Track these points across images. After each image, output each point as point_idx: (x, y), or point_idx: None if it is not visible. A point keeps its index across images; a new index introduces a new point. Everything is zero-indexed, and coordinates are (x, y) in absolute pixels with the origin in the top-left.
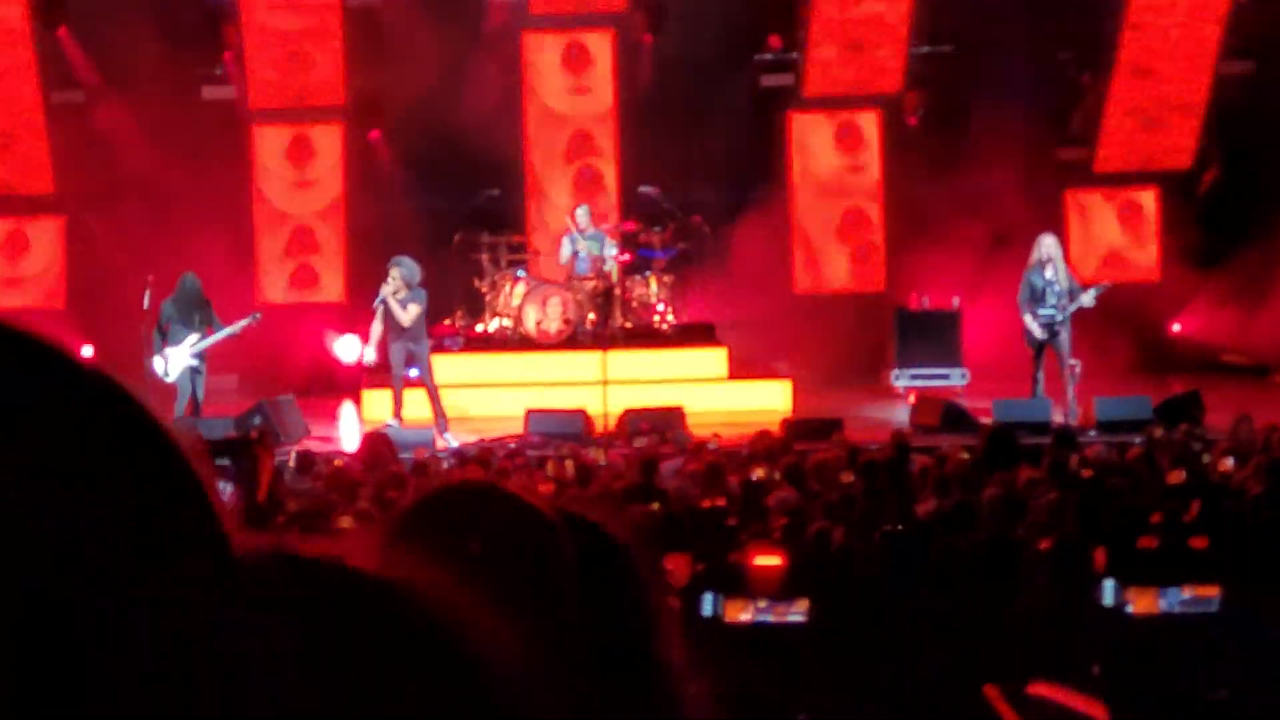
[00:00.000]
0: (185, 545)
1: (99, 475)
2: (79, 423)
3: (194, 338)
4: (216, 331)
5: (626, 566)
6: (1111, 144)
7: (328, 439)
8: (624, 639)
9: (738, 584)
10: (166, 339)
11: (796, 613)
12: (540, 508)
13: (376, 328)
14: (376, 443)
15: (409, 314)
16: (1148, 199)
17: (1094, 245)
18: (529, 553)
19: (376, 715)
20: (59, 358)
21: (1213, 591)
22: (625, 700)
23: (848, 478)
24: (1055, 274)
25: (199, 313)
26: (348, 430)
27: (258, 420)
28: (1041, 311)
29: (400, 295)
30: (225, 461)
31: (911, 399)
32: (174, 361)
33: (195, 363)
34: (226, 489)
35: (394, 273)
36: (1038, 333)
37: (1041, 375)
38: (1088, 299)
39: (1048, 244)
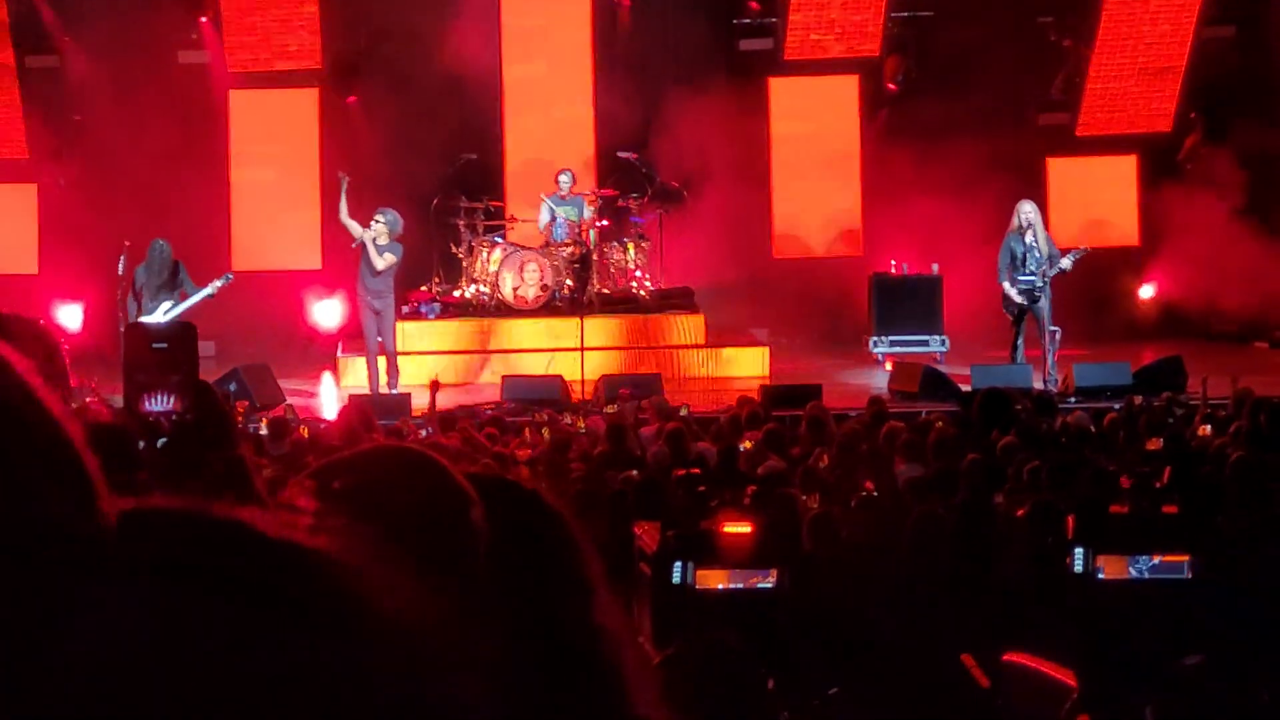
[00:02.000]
0: (49, 521)
1: None
2: None
3: (168, 304)
4: (190, 296)
5: (556, 534)
6: (1092, 109)
7: (305, 407)
8: (552, 605)
9: (708, 552)
10: (140, 305)
11: (766, 581)
12: (449, 471)
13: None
14: (354, 409)
15: (384, 260)
16: (1128, 164)
17: (1074, 210)
18: (434, 515)
19: (245, 675)
20: None
21: (1182, 558)
22: (559, 666)
23: (823, 445)
24: (1035, 240)
25: (172, 278)
26: (326, 397)
27: (232, 387)
28: (1021, 278)
29: (380, 242)
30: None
31: (888, 366)
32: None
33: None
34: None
35: (379, 218)
36: (1017, 299)
37: (1021, 342)
38: (1067, 264)
39: (1027, 210)
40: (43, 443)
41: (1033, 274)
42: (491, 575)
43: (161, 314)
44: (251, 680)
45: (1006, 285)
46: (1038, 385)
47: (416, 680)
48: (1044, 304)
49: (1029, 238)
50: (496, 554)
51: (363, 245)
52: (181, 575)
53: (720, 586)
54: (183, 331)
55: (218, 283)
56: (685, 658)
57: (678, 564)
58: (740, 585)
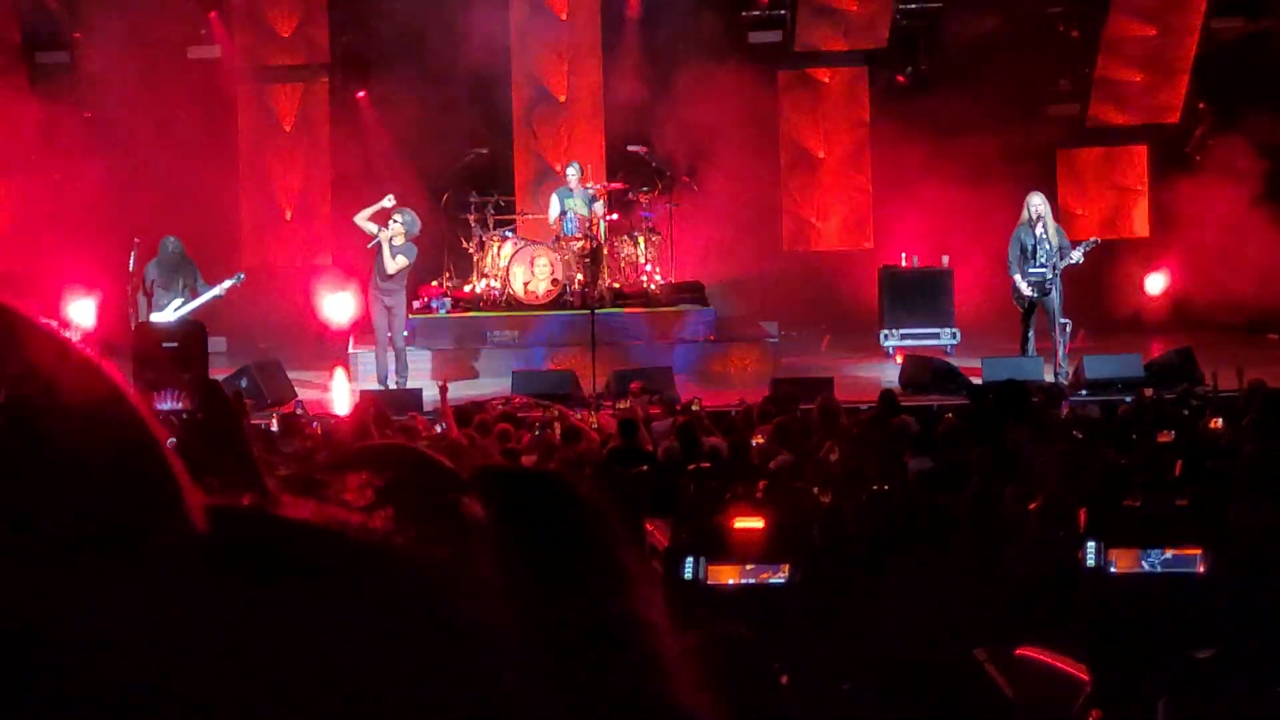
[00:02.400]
0: (143, 519)
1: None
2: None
3: (178, 301)
4: (200, 294)
5: (593, 525)
6: (1101, 100)
7: (318, 402)
8: (589, 596)
9: (720, 547)
10: (151, 302)
11: (779, 576)
12: (442, 466)
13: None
14: (367, 405)
15: (396, 263)
16: (1138, 155)
17: (1084, 202)
18: (435, 513)
19: (352, 675)
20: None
21: (1195, 551)
22: (599, 656)
23: (834, 438)
24: (1045, 232)
25: (182, 275)
26: (339, 392)
27: (243, 383)
28: (1031, 270)
29: (396, 242)
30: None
31: (899, 359)
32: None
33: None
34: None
35: (397, 218)
36: (1027, 291)
37: (1032, 334)
38: (1077, 255)
39: (1036, 202)
40: (135, 445)
41: (1043, 266)
42: (523, 567)
43: (172, 311)
44: (349, 673)
45: (1017, 278)
46: (1048, 378)
47: (492, 673)
48: (1054, 296)
49: (1039, 230)
50: (525, 545)
51: (379, 245)
52: (270, 578)
53: (732, 581)
54: (192, 330)
55: (228, 282)
56: (700, 651)
57: (689, 559)
58: (752, 580)
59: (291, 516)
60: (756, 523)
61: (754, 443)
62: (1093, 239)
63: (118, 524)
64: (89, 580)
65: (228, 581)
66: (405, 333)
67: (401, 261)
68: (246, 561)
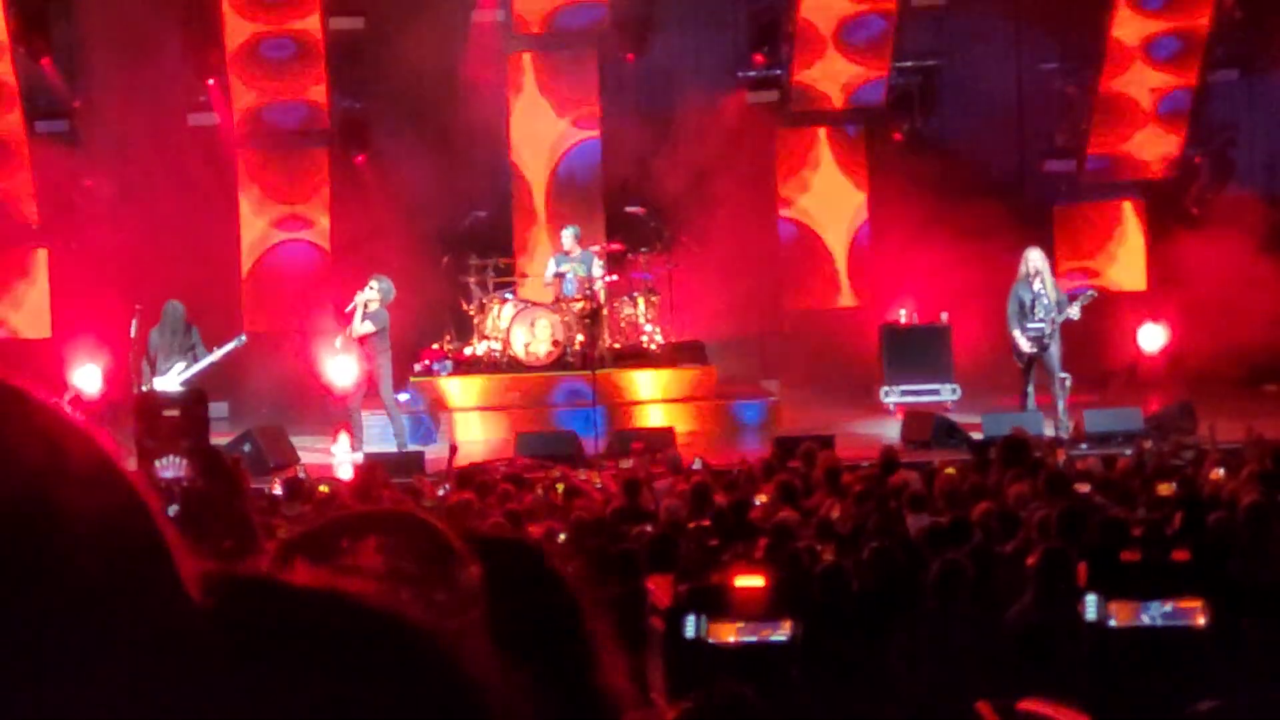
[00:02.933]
0: (136, 588)
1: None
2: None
3: (180, 365)
4: (202, 358)
5: (559, 593)
6: (1098, 155)
7: (319, 466)
8: (554, 665)
9: (721, 605)
10: (154, 368)
11: (780, 633)
12: (443, 532)
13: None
14: (370, 469)
15: (362, 328)
16: (1134, 210)
17: (1081, 256)
18: (427, 575)
19: None
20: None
21: (1195, 604)
22: None
23: (836, 507)
24: (1043, 287)
25: (184, 340)
26: (341, 457)
27: (246, 448)
28: (1030, 325)
29: (371, 307)
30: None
31: (900, 415)
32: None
33: (186, 389)
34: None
35: (373, 284)
36: (1026, 347)
37: (1031, 389)
38: (1074, 311)
39: (1034, 257)
40: (128, 513)
41: (1041, 321)
42: (493, 635)
43: (175, 376)
44: None
45: (1016, 333)
46: (1049, 432)
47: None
48: (1054, 351)
49: (1036, 285)
50: (498, 613)
51: (355, 308)
52: (277, 649)
53: (733, 640)
54: (193, 398)
55: (230, 345)
56: (701, 712)
57: (690, 617)
58: (753, 638)
59: (298, 584)
60: (758, 580)
61: (756, 501)
62: (1090, 292)
63: (112, 593)
64: (77, 656)
65: (227, 652)
66: (403, 396)
67: (368, 327)
68: (247, 631)
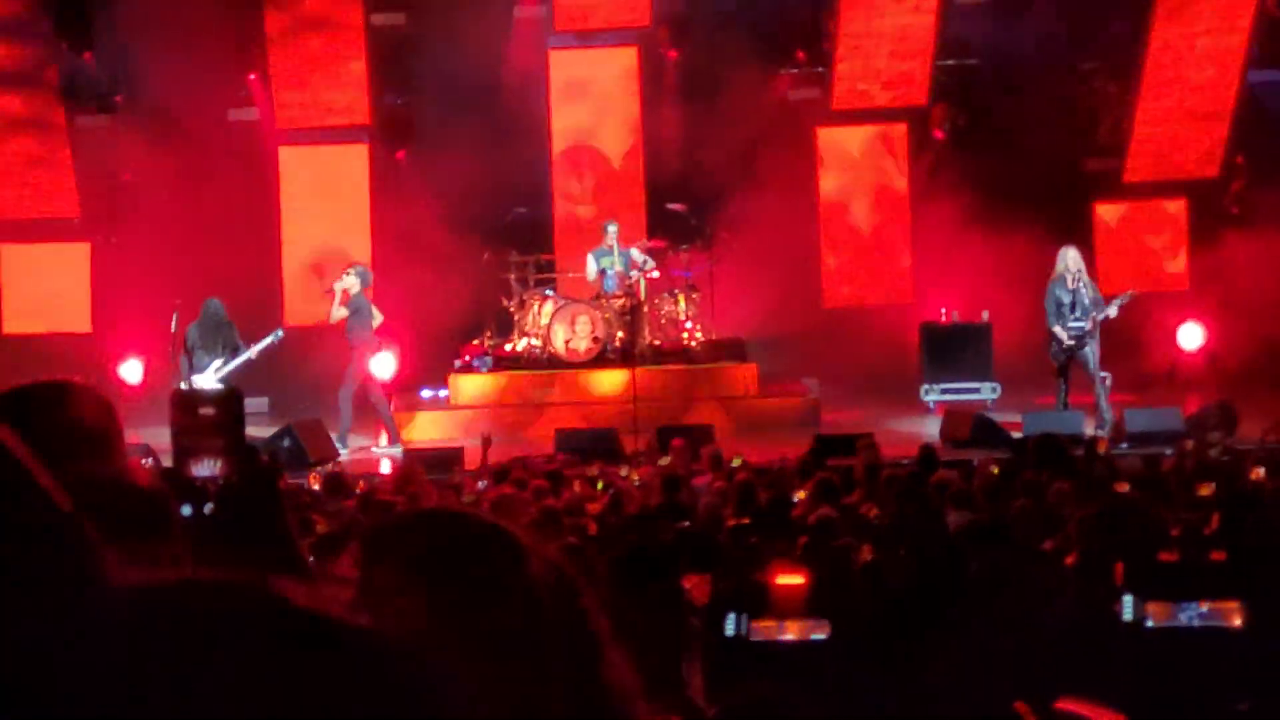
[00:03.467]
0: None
1: None
2: None
3: (218, 362)
4: (240, 354)
5: (560, 591)
6: (1139, 154)
7: (361, 460)
8: (561, 663)
9: (762, 603)
10: (192, 363)
11: (819, 632)
12: (510, 532)
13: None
14: (409, 464)
15: (338, 314)
16: (1176, 208)
17: (1123, 256)
18: (489, 578)
19: None
20: None
21: (1231, 605)
22: None
23: (875, 493)
24: (1080, 285)
25: (223, 336)
26: (380, 451)
27: (286, 443)
28: (1071, 325)
29: (351, 294)
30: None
31: (939, 414)
32: (202, 386)
33: (222, 387)
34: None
35: (352, 272)
36: (1067, 343)
37: (1066, 389)
38: (1112, 310)
39: (1071, 256)
40: (34, 514)
41: (1080, 320)
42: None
43: (213, 372)
44: None
45: (1058, 329)
46: (1089, 432)
47: None
48: (1090, 349)
49: (1071, 283)
50: (488, 608)
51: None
52: (185, 639)
53: (774, 638)
54: (229, 397)
55: (268, 340)
56: (739, 711)
57: (731, 615)
58: (794, 637)
59: (259, 591)
60: (798, 579)
61: (795, 498)
62: (1129, 292)
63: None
64: None
65: (118, 645)
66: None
67: (340, 314)
68: (153, 630)
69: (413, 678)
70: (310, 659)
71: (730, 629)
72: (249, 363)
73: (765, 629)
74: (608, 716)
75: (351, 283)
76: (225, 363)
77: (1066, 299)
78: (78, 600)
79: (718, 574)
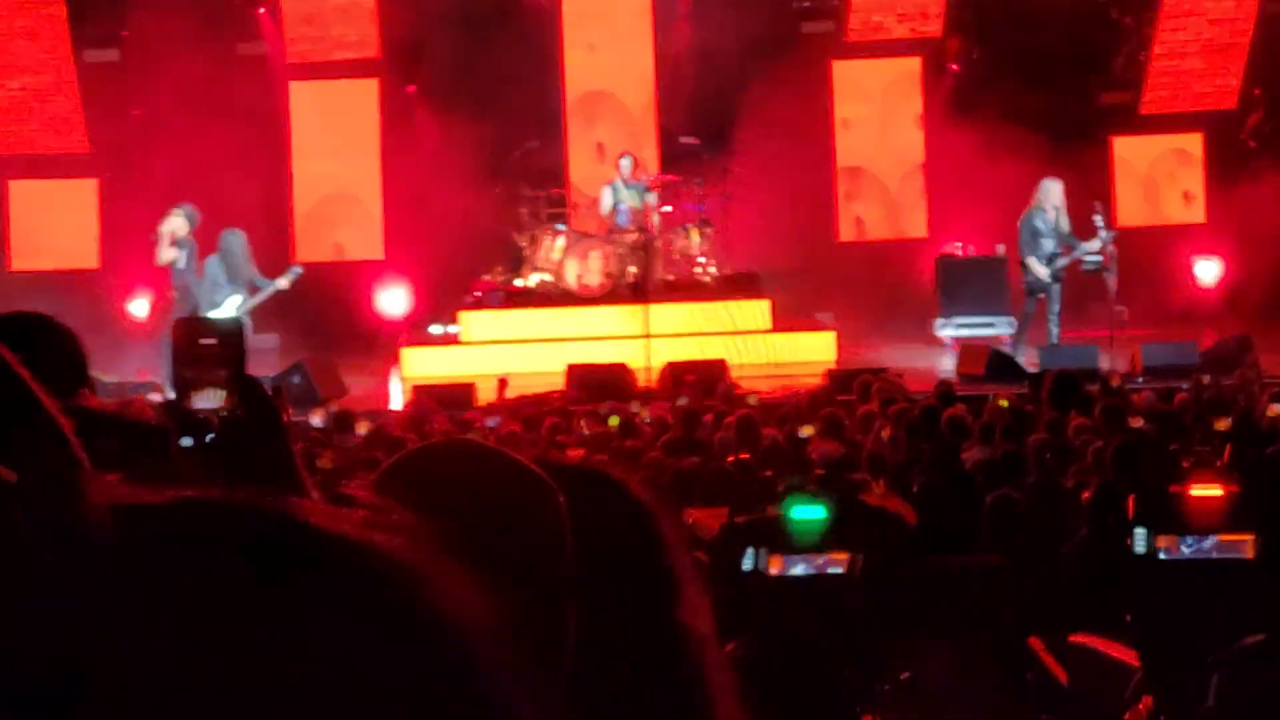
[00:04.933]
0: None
1: None
2: None
3: (237, 298)
4: (261, 289)
5: (643, 526)
6: (1155, 87)
7: (369, 397)
8: (635, 603)
9: (780, 537)
10: (211, 298)
11: (837, 566)
12: (526, 465)
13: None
14: (420, 401)
15: (167, 255)
16: (1193, 142)
17: (1138, 190)
18: (519, 516)
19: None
20: None
21: (1245, 537)
22: (639, 669)
23: (887, 429)
24: (1058, 219)
25: (244, 270)
26: (390, 388)
27: (296, 379)
28: (1047, 256)
29: (179, 235)
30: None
31: (955, 348)
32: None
33: (226, 316)
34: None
35: (179, 212)
36: (1045, 277)
37: (1029, 316)
38: (1092, 249)
39: (1055, 190)
40: (28, 430)
41: (1054, 253)
42: (574, 568)
43: (233, 309)
44: (265, 666)
45: (1031, 261)
46: (1103, 366)
47: (466, 685)
48: (1058, 285)
49: (1052, 216)
50: (577, 547)
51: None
52: (187, 558)
53: (791, 572)
54: (231, 327)
55: (288, 275)
56: (762, 651)
57: (749, 550)
58: (812, 570)
59: (266, 508)
60: (819, 513)
61: (803, 434)
62: (1111, 230)
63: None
64: None
65: (113, 570)
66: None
67: (172, 255)
68: (150, 550)
69: (441, 604)
70: (328, 581)
71: (748, 563)
72: (268, 299)
73: (783, 563)
74: (680, 660)
75: (178, 224)
76: (246, 298)
77: (1044, 229)
78: (65, 519)
79: (734, 508)
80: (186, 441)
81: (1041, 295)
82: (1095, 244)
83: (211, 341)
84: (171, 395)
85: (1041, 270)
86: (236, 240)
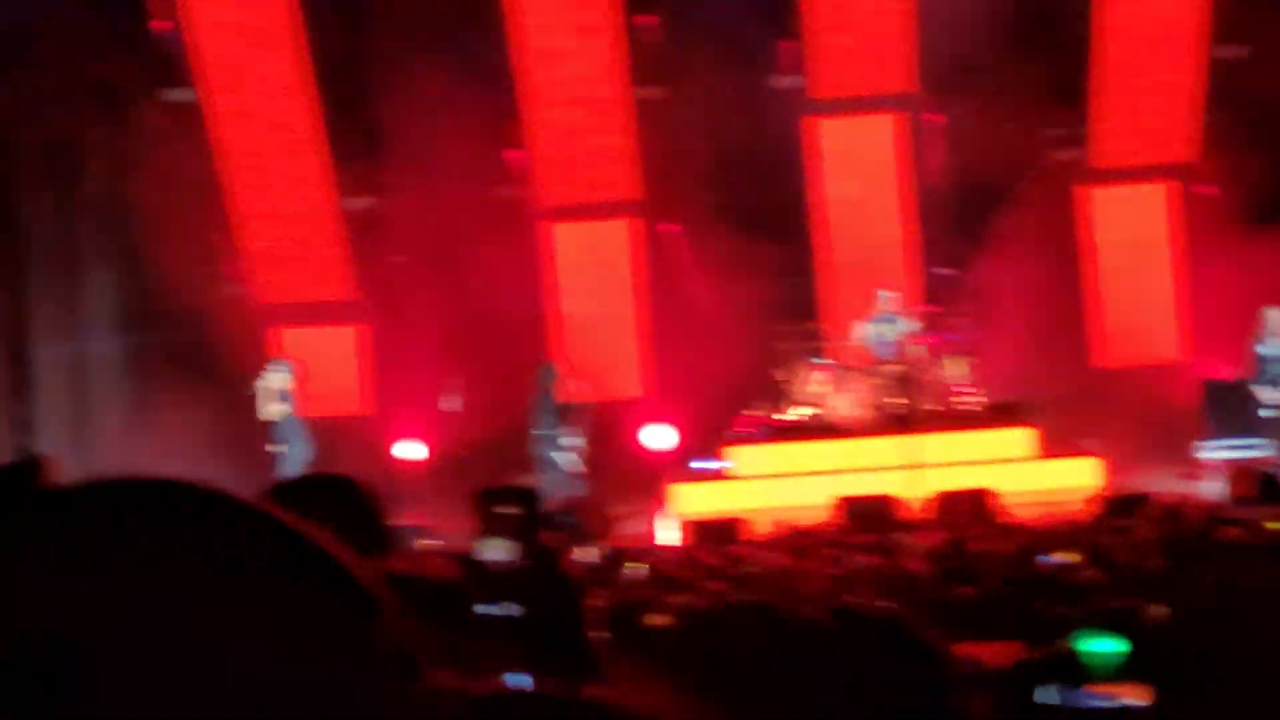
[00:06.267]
0: None
1: None
2: None
3: (566, 440)
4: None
5: (924, 665)
6: None
7: (638, 534)
8: None
9: (1073, 672)
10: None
11: (1135, 698)
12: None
13: None
14: (690, 537)
15: (272, 410)
16: None
17: None
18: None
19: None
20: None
21: None
22: None
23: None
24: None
25: (557, 407)
26: (664, 525)
27: (570, 518)
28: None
29: (281, 387)
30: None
31: (1223, 471)
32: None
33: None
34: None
35: (279, 368)
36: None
37: None
38: None
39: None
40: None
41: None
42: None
43: (562, 445)
44: None
45: (1266, 390)
46: None
47: None
48: None
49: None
50: (862, 686)
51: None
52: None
53: (1089, 705)
54: (530, 493)
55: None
56: None
57: (1046, 686)
58: (1111, 705)
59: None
60: (1115, 646)
61: (1072, 560)
62: None
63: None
64: None
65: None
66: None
67: (275, 409)
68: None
69: None
70: None
71: (1045, 698)
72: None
73: (1080, 695)
74: None
75: (282, 378)
76: (572, 440)
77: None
78: (403, 707)
79: (1023, 641)
80: (483, 609)
81: None
82: None
83: (510, 510)
84: (445, 540)
85: (1275, 396)
86: (551, 374)
